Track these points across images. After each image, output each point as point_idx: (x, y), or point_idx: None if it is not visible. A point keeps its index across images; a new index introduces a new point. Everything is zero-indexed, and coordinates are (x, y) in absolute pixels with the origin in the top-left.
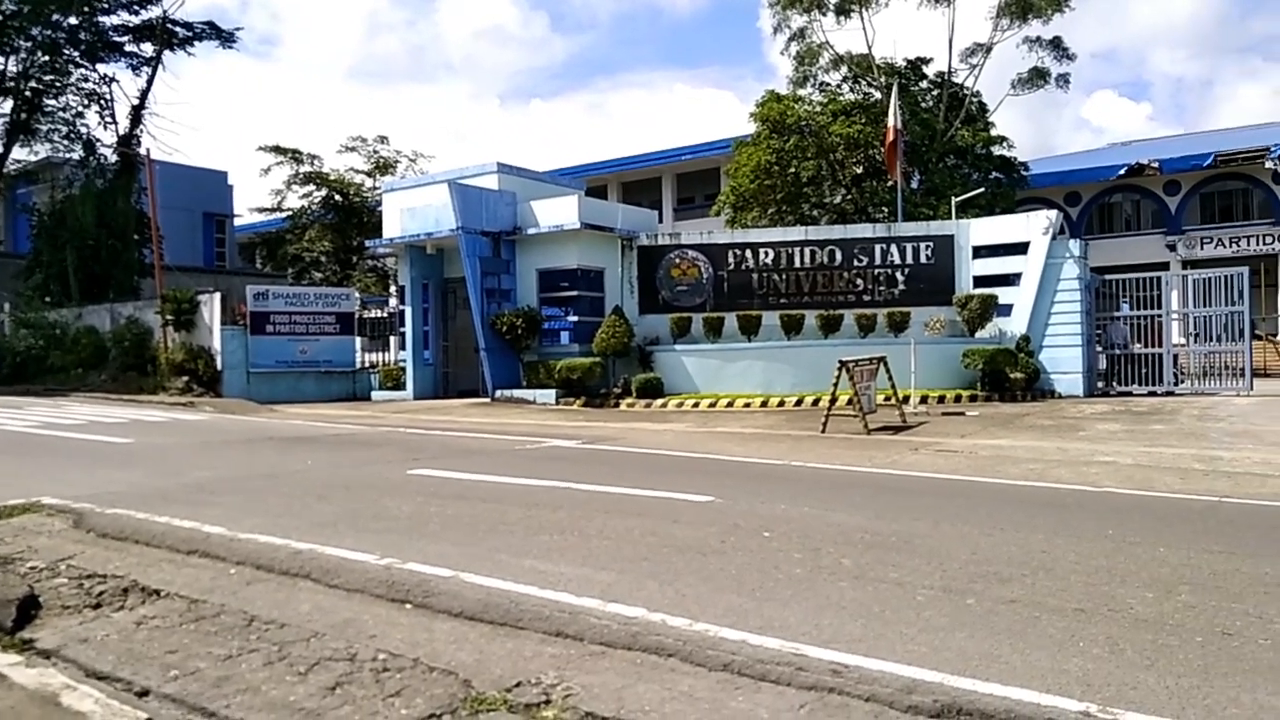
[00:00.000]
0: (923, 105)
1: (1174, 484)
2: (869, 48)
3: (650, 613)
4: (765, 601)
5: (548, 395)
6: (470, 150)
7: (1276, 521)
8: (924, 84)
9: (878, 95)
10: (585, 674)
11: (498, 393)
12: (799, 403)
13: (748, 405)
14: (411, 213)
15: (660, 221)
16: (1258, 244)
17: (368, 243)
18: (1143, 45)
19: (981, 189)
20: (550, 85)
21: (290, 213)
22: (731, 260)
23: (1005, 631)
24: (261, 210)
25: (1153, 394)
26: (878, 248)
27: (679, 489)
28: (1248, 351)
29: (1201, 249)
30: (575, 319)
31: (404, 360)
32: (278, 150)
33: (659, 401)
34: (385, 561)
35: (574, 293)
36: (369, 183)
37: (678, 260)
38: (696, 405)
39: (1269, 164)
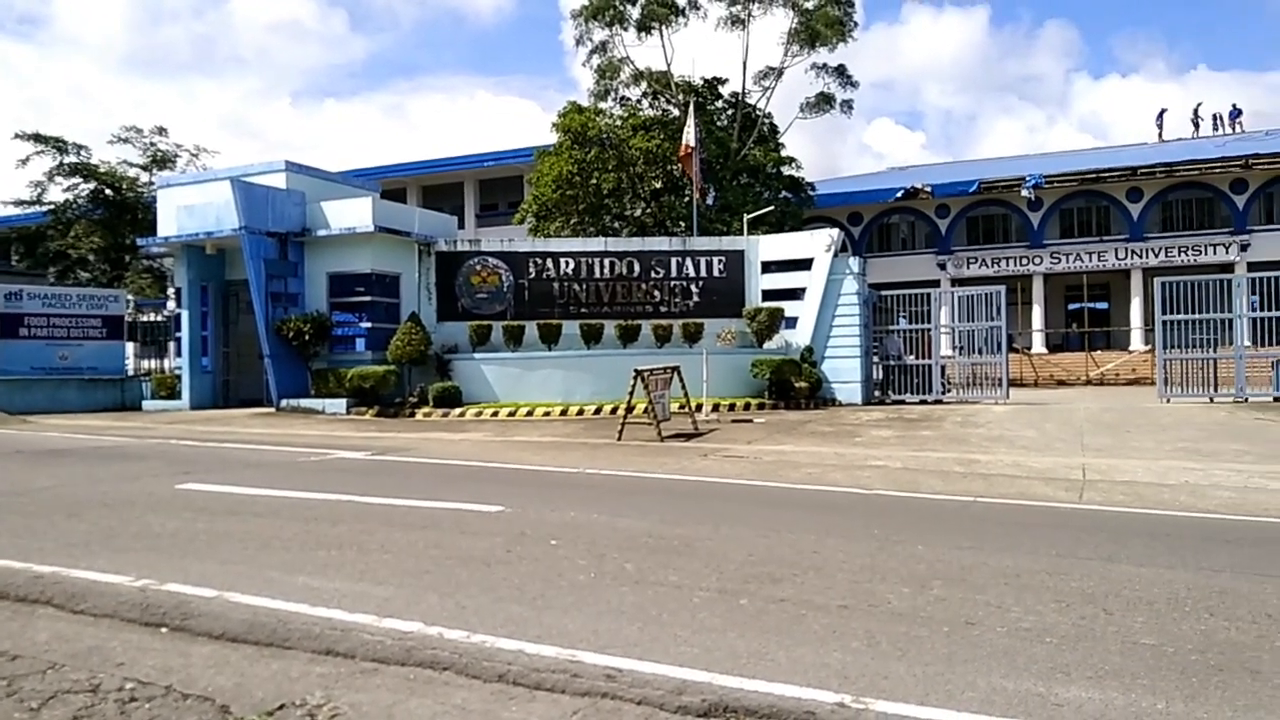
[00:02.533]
0: (718, 124)
1: (936, 485)
2: (668, 65)
3: (427, 626)
4: (546, 610)
5: (338, 405)
6: (259, 148)
7: (1020, 519)
8: (720, 103)
9: (676, 112)
10: (355, 692)
11: (283, 402)
12: (598, 411)
13: (547, 414)
14: (190, 210)
15: (462, 228)
16: (1015, 264)
17: (140, 241)
18: (917, 79)
19: (772, 207)
20: (347, 85)
21: (52, 206)
22: (533, 269)
23: (774, 629)
24: (19, 204)
25: (923, 402)
26: (674, 261)
27: (469, 499)
28: (1005, 363)
29: (967, 268)
30: (369, 325)
31: (180, 368)
32: (37, 138)
33: (457, 411)
34: (141, 583)
35: (368, 298)
36: (145, 177)
37: (478, 267)
38: (495, 414)
39: (1024, 192)
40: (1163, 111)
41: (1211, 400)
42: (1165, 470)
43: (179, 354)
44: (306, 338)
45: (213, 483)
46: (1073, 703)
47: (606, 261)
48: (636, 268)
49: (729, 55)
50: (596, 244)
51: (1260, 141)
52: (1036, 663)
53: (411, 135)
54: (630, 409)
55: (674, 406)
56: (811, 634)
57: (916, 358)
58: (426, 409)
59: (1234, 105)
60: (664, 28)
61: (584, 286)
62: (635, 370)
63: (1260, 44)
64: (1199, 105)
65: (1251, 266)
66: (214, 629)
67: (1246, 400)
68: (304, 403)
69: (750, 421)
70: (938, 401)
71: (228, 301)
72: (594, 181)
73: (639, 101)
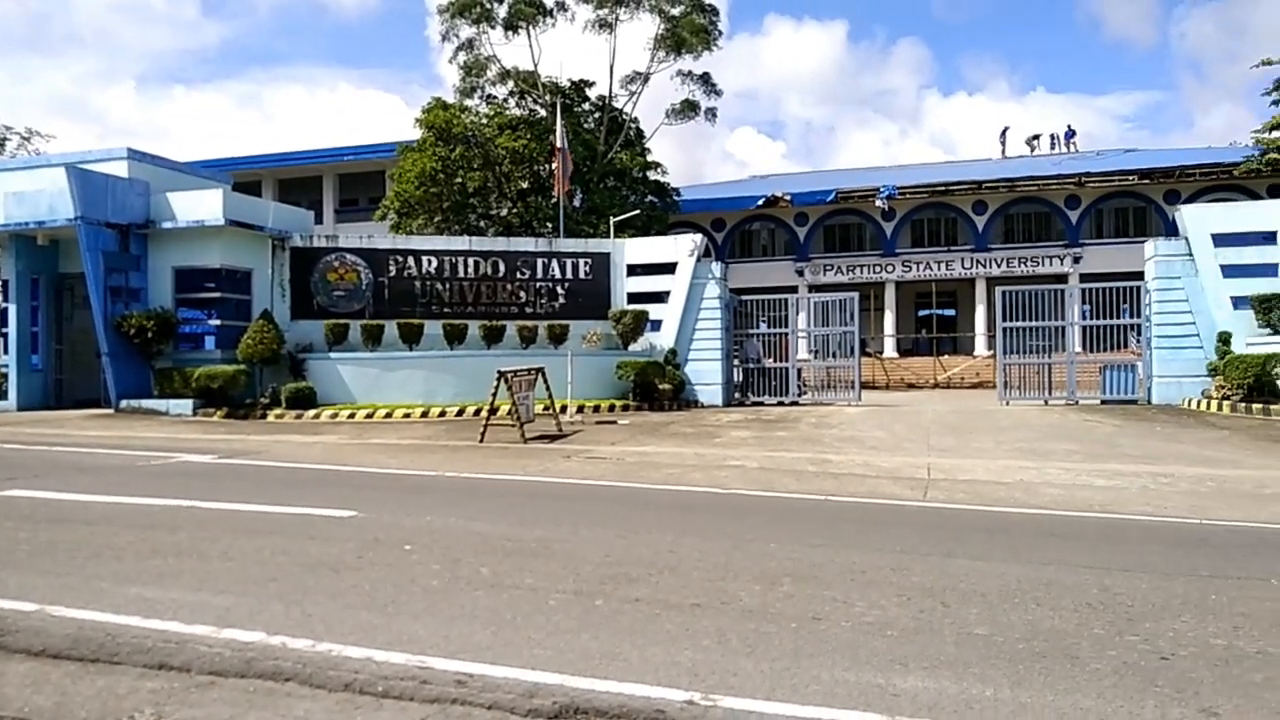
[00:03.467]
0: (585, 126)
1: (790, 485)
2: (535, 65)
3: (270, 636)
4: (397, 616)
5: (184, 406)
6: (98, 134)
7: (869, 516)
8: (587, 106)
9: (543, 112)
10: (188, 707)
11: (123, 403)
12: (460, 413)
13: (407, 416)
14: (19, 198)
15: (320, 223)
16: (869, 272)
17: None
18: (779, 89)
19: (638, 211)
20: (199, 71)
21: None
22: (394, 267)
23: (628, 630)
24: None
25: (781, 404)
26: (540, 262)
27: (320, 504)
28: (857, 367)
29: (824, 275)
30: (218, 323)
31: (6, 366)
32: None
33: (311, 412)
34: None
35: (217, 295)
36: None
37: (336, 264)
38: (352, 416)
39: (878, 202)
40: (1005, 129)
41: (1046, 403)
42: (1003, 469)
43: (5, 351)
44: (149, 335)
45: (39, 488)
46: (909, 693)
47: (471, 261)
48: (502, 268)
49: (597, 58)
50: (461, 243)
51: (1092, 161)
52: (878, 655)
53: (268, 127)
54: (493, 410)
55: (539, 408)
56: (664, 633)
57: (775, 361)
58: (279, 410)
59: (1069, 126)
60: (531, 27)
61: (447, 286)
62: (499, 371)
63: (1093, 70)
64: (1035, 136)
65: (1083, 278)
66: (33, 645)
67: (1078, 403)
68: (146, 404)
69: (614, 423)
70: (794, 403)
71: (61, 296)
72: (459, 179)
73: (506, 100)
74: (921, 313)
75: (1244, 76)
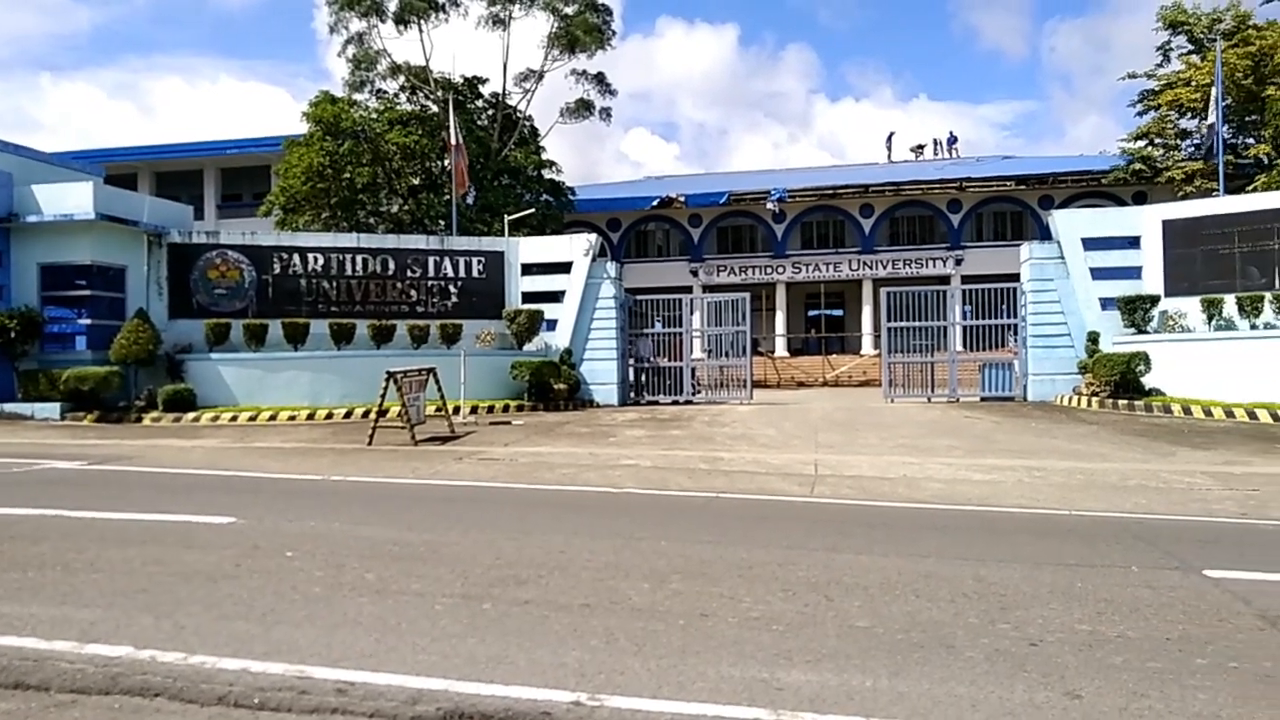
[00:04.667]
0: (478, 124)
1: (683, 483)
2: (427, 60)
3: (138, 650)
4: (276, 625)
5: (50, 409)
6: None
7: (758, 513)
8: (480, 103)
9: (435, 109)
10: None
11: None
12: (348, 415)
13: (293, 418)
14: None
15: (201, 218)
16: (761, 273)
17: None
18: (672, 91)
19: (533, 209)
20: (68, 58)
21: None
22: (278, 264)
23: (516, 632)
24: None
25: (676, 403)
26: (432, 260)
27: (198, 511)
28: (749, 366)
29: (718, 275)
30: (89, 322)
31: None
32: None
33: (190, 415)
34: None
35: (88, 292)
36: None
37: (217, 261)
38: (235, 419)
39: (769, 205)
40: (891, 135)
41: (929, 400)
42: (887, 465)
43: None
44: (12, 335)
45: None
46: (792, 686)
47: (360, 259)
48: (392, 266)
49: (490, 55)
50: (349, 240)
51: (972, 166)
52: (763, 650)
53: (145, 118)
54: (383, 412)
55: (430, 409)
56: (552, 634)
57: (670, 360)
58: (155, 414)
59: (951, 133)
60: (423, 22)
61: (335, 284)
62: (388, 372)
63: (972, 80)
64: (920, 146)
65: (965, 279)
66: None
67: (958, 400)
68: (8, 407)
69: (509, 423)
70: (688, 402)
71: None
72: (348, 175)
73: (396, 96)
74: (811, 313)
75: (1110, 89)
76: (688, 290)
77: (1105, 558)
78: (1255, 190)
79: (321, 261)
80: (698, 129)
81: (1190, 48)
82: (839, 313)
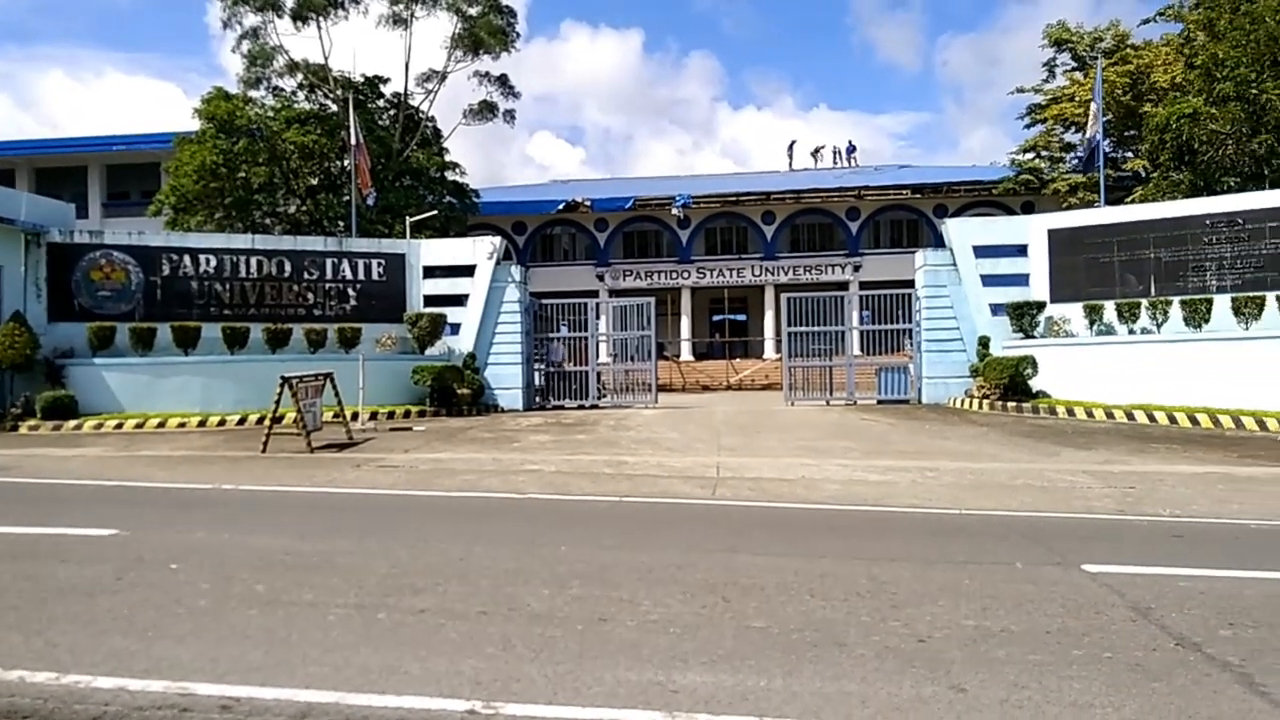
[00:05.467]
0: (379, 124)
1: (586, 487)
2: (326, 58)
3: (5, 671)
4: (158, 640)
5: None
6: None
7: (659, 516)
8: (381, 103)
9: (335, 108)
10: None
11: None
12: (242, 421)
13: (183, 425)
14: None
15: (86, 217)
16: (666, 278)
17: None
18: (578, 95)
19: (436, 211)
20: None
21: None
22: (168, 266)
23: (411, 642)
24: None
25: (581, 407)
26: (330, 262)
27: (77, 523)
28: (654, 370)
29: (624, 280)
30: None
31: None
32: None
33: (72, 423)
34: None
35: None
36: None
37: (101, 262)
38: (120, 426)
39: (674, 210)
40: (793, 143)
41: (828, 403)
42: (786, 467)
43: None
44: None
45: None
46: (688, 688)
47: (254, 260)
48: (288, 268)
49: (392, 54)
50: (243, 241)
51: (870, 175)
52: (660, 653)
53: (25, 111)
54: (277, 419)
55: (328, 415)
56: (449, 643)
57: (575, 364)
58: (33, 421)
59: (850, 142)
60: (322, 19)
61: (228, 286)
62: (283, 377)
63: (869, 91)
64: (819, 148)
65: (863, 285)
66: None
67: (856, 403)
68: None
69: (410, 429)
70: (594, 406)
71: None
72: (243, 174)
73: (294, 93)
74: (715, 317)
75: (999, 102)
76: (594, 294)
77: (992, 555)
78: (1133, 202)
79: (214, 263)
80: (603, 134)
81: (1074, 65)
82: (742, 317)
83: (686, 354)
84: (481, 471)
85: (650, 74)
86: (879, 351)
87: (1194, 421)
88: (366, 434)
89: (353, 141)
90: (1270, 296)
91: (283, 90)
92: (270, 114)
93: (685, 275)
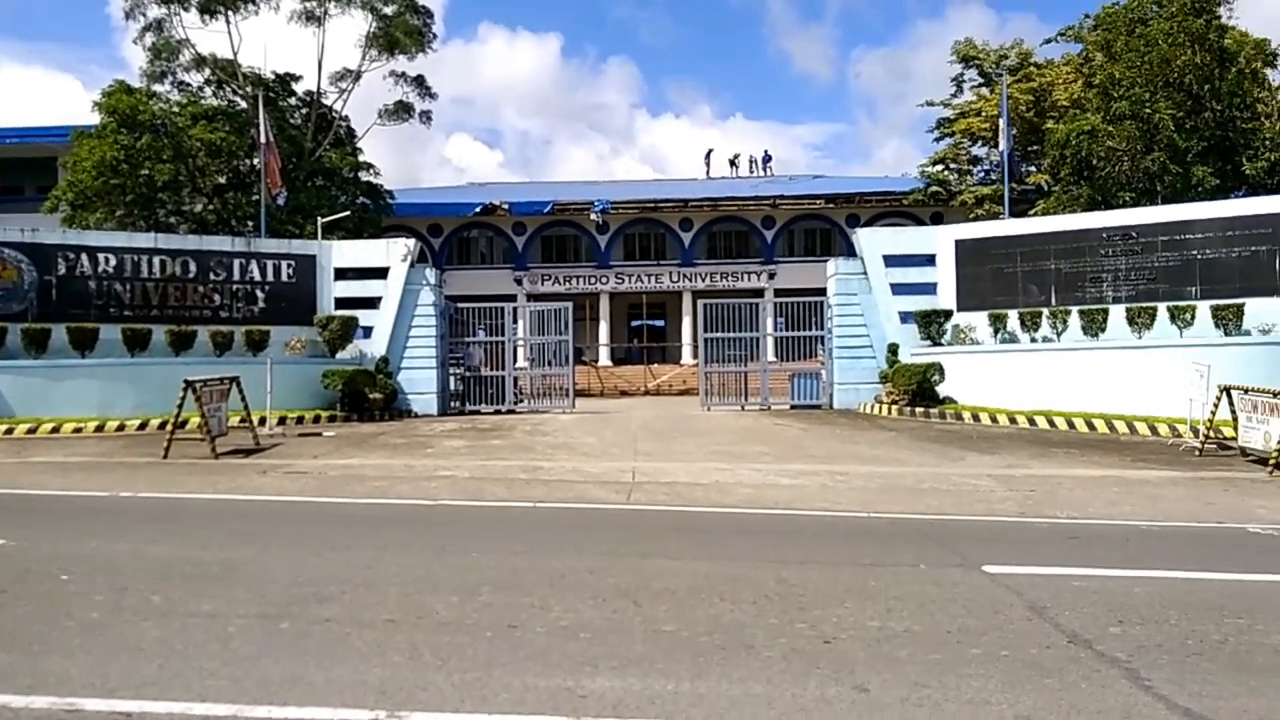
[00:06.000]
0: (291, 122)
1: (500, 493)
2: (235, 53)
3: None
4: (45, 655)
5: None
6: None
7: (574, 521)
8: (293, 101)
9: (244, 104)
10: None
11: None
12: (143, 426)
13: (79, 430)
14: None
15: None
16: (585, 283)
17: None
18: (495, 98)
19: (349, 212)
20: None
21: None
22: (64, 264)
23: (315, 651)
24: None
25: (498, 412)
26: (237, 262)
27: None
28: (571, 375)
29: (542, 284)
30: None
31: None
32: None
33: None
34: None
35: None
36: None
37: None
38: (10, 432)
39: (593, 215)
40: (710, 152)
41: (744, 408)
42: (701, 471)
43: None
44: None
45: None
46: (596, 693)
47: (157, 260)
48: (194, 268)
49: (304, 52)
50: (145, 240)
51: (786, 185)
52: (570, 658)
53: None
54: (181, 424)
55: (234, 420)
56: (354, 652)
57: (492, 369)
58: None
59: (765, 151)
60: (231, 13)
61: (128, 287)
62: (186, 380)
63: (785, 101)
64: (736, 156)
65: (778, 292)
66: None
67: (770, 408)
68: None
69: (319, 435)
70: (510, 411)
71: None
72: (146, 171)
73: (201, 89)
74: (634, 323)
75: (909, 115)
76: (511, 299)
77: (898, 557)
78: (1036, 215)
79: (114, 262)
80: (522, 137)
81: (981, 81)
82: (661, 323)
83: (605, 359)
84: (393, 478)
85: (569, 79)
86: (793, 357)
87: (1091, 427)
88: (274, 439)
89: (262, 140)
90: (1161, 307)
91: (189, 85)
92: (176, 109)
93: (604, 280)
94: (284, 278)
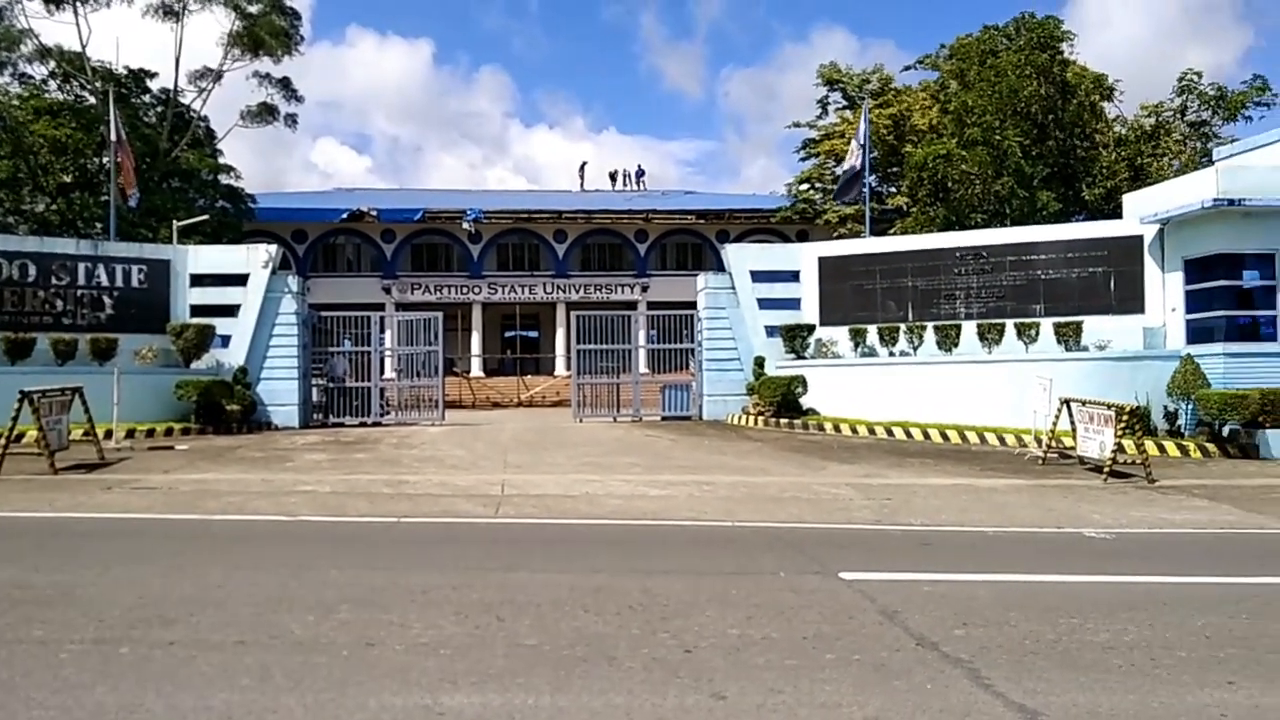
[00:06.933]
0: (145, 120)
1: (363, 508)
2: (84, 46)
3: None
4: None
5: None
6: None
7: (439, 536)
8: (148, 98)
9: (93, 100)
10: None
11: None
12: None
13: None
14: None
15: None
16: (457, 292)
17: None
18: (364, 102)
19: (207, 216)
20: None
21: None
22: None
23: (156, 677)
24: None
25: (363, 424)
26: (83, 266)
27: None
28: (441, 386)
29: (412, 293)
30: None
31: None
32: None
33: None
34: None
35: None
36: None
37: None
38: None
39: (465, 225)
40: (584, 164)
41: (615, 420)
42: (571, 483)
43: None
44: None
45: None
46: (455, 709)
47: None
48: (33, 272)
49: (160, 48)
50: None
51: (658, 199)
52: (429, 675)
53: None
54: (16, 438)
55: (76, 434)
56: (199, 676)
57: (358, 380)
58: None
59: (639, 165)
60: (79, 3)
61: None
62: (22, 391)
63: (658, 117)
64: (616, 172)
65: (650, 305)
66: None
67: (641, 419)
68: None
69: (171, 449)
70: (377, 423)
71: None
72: None
73: (45, 82)
74: (508, 334)
75: (777, 135)
76: (380, 308)
77: (759, 565)
78: (895, 234)
79: None
80: (392, 143)
81: (845, 103)
82: (535, 334)
83: (477, 370)
84: (249, 493)
85: (441, 86)
86: (664, 370)
87: (945, 437)
88: (121, 454)
89: (113, 137)
90: (1009, 324)
91: (31, 78)
92: (16, 103)
93: (477, 290)
94: (135, 283)
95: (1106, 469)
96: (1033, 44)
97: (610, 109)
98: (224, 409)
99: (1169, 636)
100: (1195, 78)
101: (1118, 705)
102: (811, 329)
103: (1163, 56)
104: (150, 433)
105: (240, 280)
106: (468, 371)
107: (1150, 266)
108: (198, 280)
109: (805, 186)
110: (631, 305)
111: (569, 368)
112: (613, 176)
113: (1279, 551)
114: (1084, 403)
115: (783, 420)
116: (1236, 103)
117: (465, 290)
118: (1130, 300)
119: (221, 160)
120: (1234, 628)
